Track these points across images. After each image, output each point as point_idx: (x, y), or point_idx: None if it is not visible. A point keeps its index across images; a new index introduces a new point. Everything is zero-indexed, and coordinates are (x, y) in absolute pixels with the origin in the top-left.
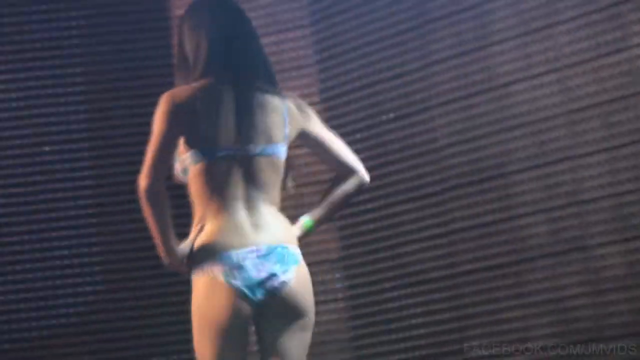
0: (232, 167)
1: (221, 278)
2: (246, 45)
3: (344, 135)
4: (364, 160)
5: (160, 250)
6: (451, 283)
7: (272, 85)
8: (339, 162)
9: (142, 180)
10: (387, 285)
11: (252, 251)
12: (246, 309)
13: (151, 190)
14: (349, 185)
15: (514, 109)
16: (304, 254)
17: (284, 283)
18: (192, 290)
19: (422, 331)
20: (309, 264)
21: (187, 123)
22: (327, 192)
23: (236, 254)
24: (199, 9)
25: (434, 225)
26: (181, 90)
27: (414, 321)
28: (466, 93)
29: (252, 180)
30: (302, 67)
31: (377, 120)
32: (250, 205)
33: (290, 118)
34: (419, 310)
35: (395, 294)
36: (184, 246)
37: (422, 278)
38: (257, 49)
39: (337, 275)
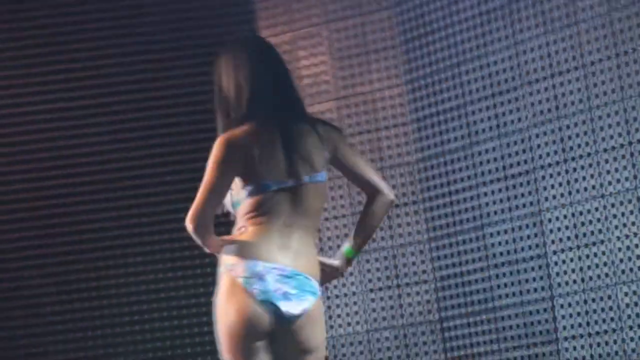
0: (282, 197)
1: (240, 281)
2: (286, 82)
3: (428, 117)
4: (449, 142)
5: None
6: (540, 263)
7: (306, 114)
8: (366, 182)
9: (191, 223)
10: (475, 266)
11: (277, 268)
12: (262, 315)
13: (198, 232)
14: (379, 209)
15: (600, 87)
16: (391, 237)
17: (295, 315)
18: (218, 283)
19: (511, 312)
20: (397, 246)
21: (242, 165)
22: (361, 220)
23: (262, 264)
24: (237, 50)
25: (522, 205)
26: (235, 134)
27: (503, 302)
28: (553, 72)
29: (297, 207)
30: (387, 48)
31: (463, 101)
32: (287, 229)
33: (326, 142)
34: (507, 291)
35: (484, 274)
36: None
37: (511, 258)
38: (294, 83)
39: (425, 257)
